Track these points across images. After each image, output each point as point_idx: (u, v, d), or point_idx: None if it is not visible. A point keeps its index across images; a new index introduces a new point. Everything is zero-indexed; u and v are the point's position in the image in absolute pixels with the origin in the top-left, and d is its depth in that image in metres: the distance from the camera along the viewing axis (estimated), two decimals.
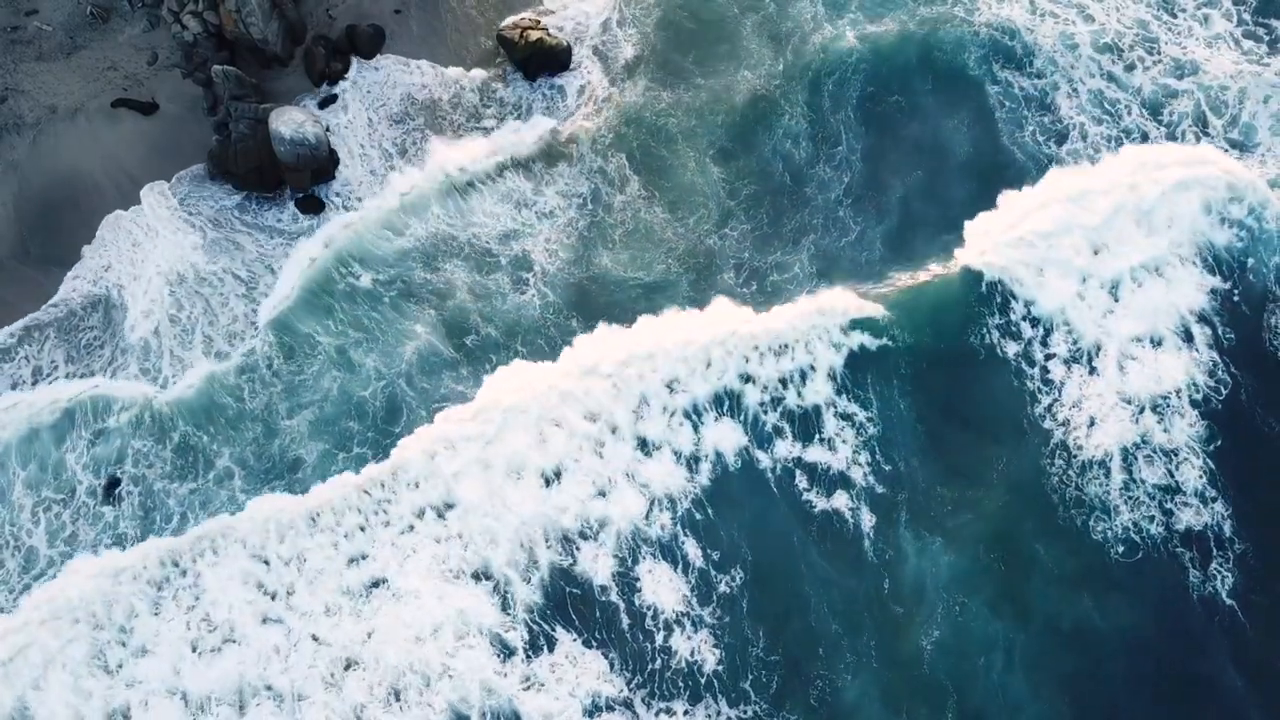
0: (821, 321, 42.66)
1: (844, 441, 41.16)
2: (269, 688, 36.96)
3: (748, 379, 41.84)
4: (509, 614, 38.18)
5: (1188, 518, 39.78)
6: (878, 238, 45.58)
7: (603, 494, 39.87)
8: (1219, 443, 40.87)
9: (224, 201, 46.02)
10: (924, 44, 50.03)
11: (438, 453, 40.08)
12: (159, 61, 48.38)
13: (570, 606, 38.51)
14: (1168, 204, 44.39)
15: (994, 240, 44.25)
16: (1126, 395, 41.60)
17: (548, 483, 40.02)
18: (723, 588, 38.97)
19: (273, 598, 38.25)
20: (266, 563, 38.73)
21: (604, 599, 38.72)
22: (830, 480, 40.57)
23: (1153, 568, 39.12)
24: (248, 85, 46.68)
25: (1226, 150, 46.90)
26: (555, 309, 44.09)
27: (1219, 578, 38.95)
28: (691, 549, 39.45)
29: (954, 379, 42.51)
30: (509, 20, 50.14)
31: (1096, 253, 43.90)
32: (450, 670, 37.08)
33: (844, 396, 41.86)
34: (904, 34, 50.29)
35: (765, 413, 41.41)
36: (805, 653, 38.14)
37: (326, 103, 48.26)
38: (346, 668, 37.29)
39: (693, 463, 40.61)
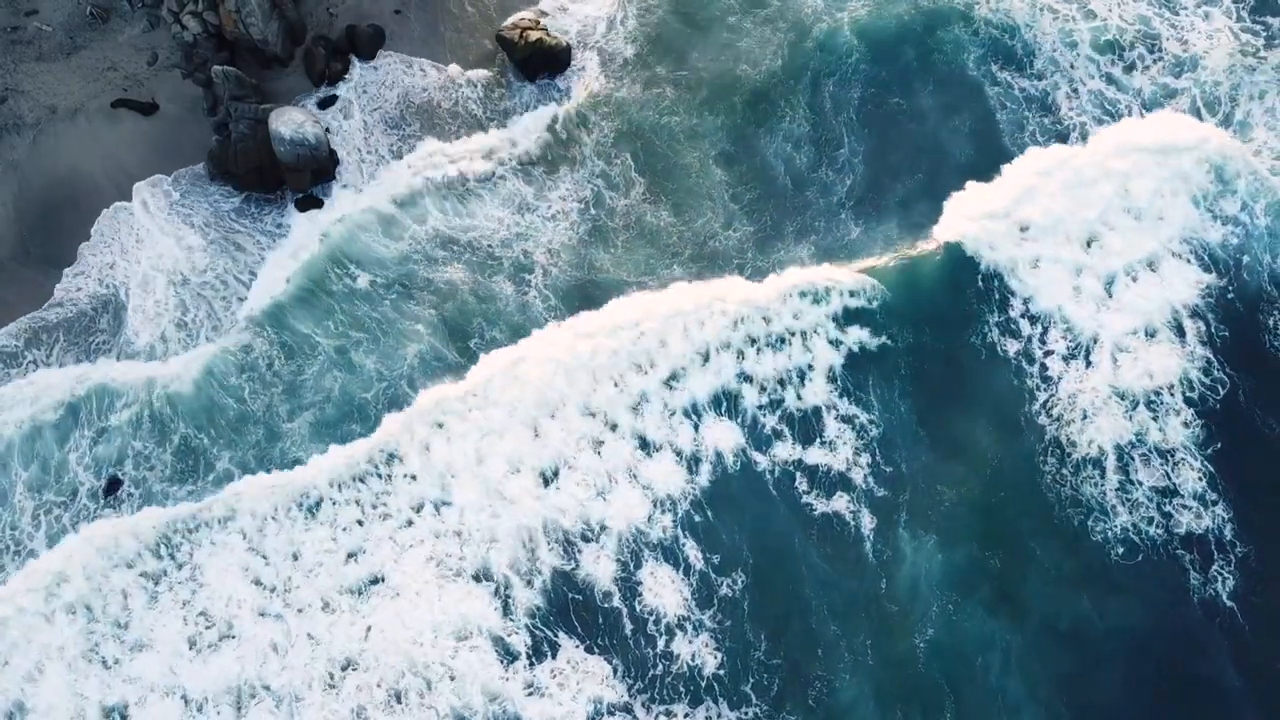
0: (812, 290, 42.94)
1: (844, 443, 41.17)
2: (267, 688, 37.00)
3: (747, 379, 41.85)
4: (510, 618, 38.20)
5: (1188, 520, 39.77)
6: (878, 238, 45.57)
7: (602, 495, 39.87)
8: (1218, 445, 40.85)
9: (223, 204, 45.97)
10: (924, 44, 49.95)
11: (431, 440, 40.04)
12: (159, 62, 48.31)
13: (572, 611, 38.53)
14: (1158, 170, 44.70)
15: (978, 212, 44.55)
16: (1120, 389, 41.59)
17: (546, 482, 40.01)
18: (724, 590, 39.01)
19: (271, 591, 38.26)
20: (264, 557, 38.79)
21: (606, 604, 38.74)
22: (830, 482, 40.60)
23: (1152, 569, 39.12)
24: (248, 85, 46.63)
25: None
26: (558, 312, 44.03)
27: (1220, 580, 38.94)
28: (692, 552, 39.48)
29: (954, 379, 42.49)
30: (509, 20, 49.99)
31: (1089, 245, 43.98)
32: (452, 671, 37.10)
33: (844, 399, 41.87)
34: (902, 29, 50.23)
35: (764, 414, 41.41)
36: (805, 655, 38.19)
37: (326, 103, 48.20)
38: (345, 668, 37.32)
39: (693, 463, 40.60)
